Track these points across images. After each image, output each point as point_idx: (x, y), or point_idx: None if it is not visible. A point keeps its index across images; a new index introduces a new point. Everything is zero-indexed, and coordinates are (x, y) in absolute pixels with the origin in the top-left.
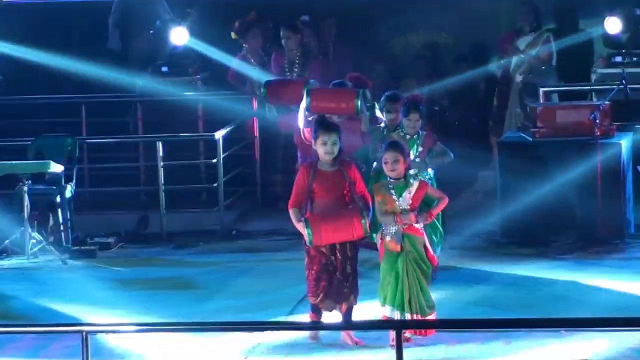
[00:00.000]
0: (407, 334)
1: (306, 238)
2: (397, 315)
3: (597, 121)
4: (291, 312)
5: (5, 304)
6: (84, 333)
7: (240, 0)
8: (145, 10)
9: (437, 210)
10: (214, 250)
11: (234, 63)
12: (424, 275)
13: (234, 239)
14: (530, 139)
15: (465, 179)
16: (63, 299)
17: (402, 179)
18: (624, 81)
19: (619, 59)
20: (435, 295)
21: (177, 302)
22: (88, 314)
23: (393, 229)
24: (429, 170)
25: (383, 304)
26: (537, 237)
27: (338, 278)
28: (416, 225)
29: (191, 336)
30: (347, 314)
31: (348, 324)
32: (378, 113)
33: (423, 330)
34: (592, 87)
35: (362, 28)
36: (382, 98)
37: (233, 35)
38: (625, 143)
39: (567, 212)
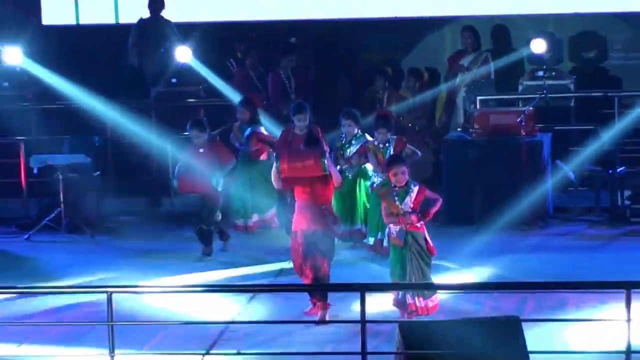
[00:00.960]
0: (414, 315)
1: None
2: (408, 299)
3: (523, 123)
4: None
5: (44, 270)
6: (109, 293)
7: (234, 24)
8: (157, 33)
9: (434, 209)
10: None
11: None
12: (425, 264)
13: None
14: (470, 137)
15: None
16: (91, 265)
17: (404, 186)
18: (545, 91)
19: (540, 73)
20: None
21: (186, 269)
22: (112, 278)
23: (397, 228)
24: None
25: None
26: (475, 218)
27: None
28: (417, 224)
29: (199, 296)
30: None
31: (317, 287)
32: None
33: (426, 310)
34: (519, 96)
35: (333, 47)
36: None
37: (239, 54)
38: (545, 141)
39: (500, 197)
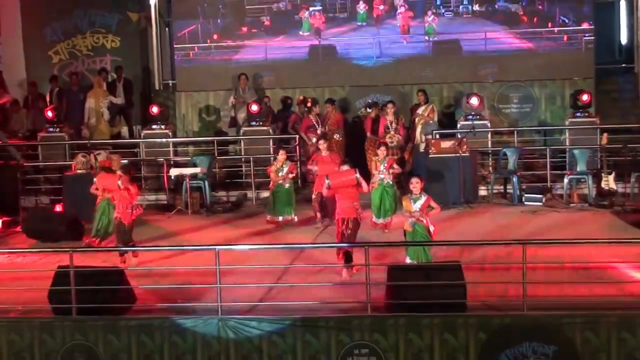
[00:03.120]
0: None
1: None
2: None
3: (459, 146)
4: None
5: (174, 236)
6: (216, 250)
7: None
8: None
9: (433, 213)
10: None
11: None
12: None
13: None
14: (428, 155)
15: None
16: (204, 233)
17: (418, 194)
18: (473, 128)
19: (470, 117)
20: None
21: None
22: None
23: (410, 220)
24: (391, 179)
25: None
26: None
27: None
28: (421, 219)
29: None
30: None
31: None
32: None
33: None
34: (458, 130)
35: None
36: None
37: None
38: (472, 158)
39: (447, 189)
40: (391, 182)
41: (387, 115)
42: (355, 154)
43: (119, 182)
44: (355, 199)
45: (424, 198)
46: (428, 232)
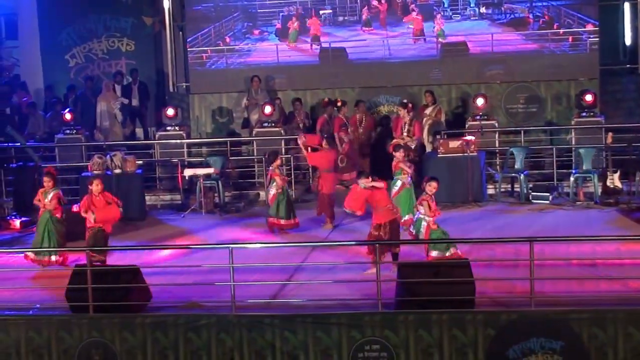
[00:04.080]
0: None
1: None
2: (435, 253)
3: (467, 146)
4: None
5: (189, 235)
6: (230, 248)
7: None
8: None
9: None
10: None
11: None
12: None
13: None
14: (437, 155)
15: None
16: (217, 233)
17: (433, 195)
18: (481, 128)
19: (477, 117)
20: None
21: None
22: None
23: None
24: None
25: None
26: (442, 200)
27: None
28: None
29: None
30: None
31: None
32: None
33: None
34: (467, 130)
35: None
36: None
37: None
38: (481, 157)
39: (455, 188)
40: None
41: (403, 117)
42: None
43: (94, 187)
44: (387, 202)
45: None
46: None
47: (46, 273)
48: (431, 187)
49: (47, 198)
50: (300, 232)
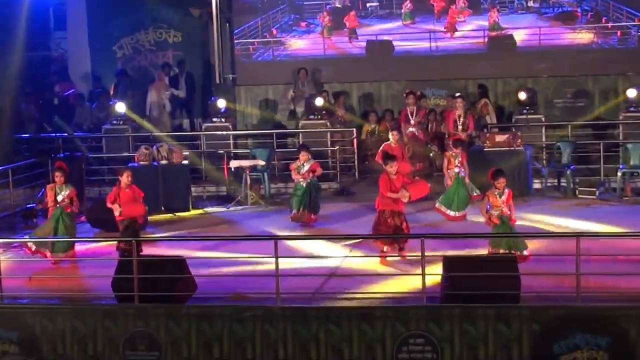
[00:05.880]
0: None
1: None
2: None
3: (514, 140)
4: None
5: (234, 226)
6: (275, 240)
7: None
8: None
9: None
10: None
11: None
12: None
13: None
14: (483, 149)
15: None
16: (263, 224)
17: (502, 190)
18: (528, 122)
19: (524, 111)
20: None
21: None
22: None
23: (496, 212)
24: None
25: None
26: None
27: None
28: (506, 211)
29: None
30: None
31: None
32: None
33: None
34: (513, 124)
35: None
36: None
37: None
38: (528, 150)
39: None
40: (464, 176)
41: (456, 110)
42: None
43: (123, 178)
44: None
45: (506, 192)
46: (512, 222)
47: (93, 262)
48: (498, 182)
49: (60, 194)
50: (344, 225)
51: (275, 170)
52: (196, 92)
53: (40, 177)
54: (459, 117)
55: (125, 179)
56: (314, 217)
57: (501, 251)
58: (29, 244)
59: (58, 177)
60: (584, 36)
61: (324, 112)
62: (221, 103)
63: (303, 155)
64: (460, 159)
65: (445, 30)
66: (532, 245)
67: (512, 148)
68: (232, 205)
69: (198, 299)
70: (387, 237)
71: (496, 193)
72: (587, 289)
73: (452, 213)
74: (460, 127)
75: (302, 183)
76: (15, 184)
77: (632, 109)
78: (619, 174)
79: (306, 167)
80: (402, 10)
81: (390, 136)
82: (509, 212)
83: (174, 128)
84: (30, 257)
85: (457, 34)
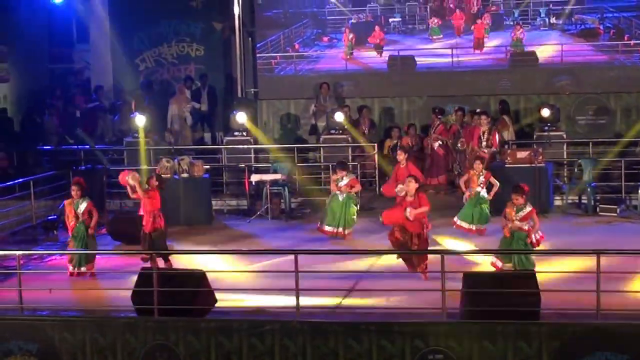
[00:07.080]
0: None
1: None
2: (499, 264)
3: (535, 157)
4: None
5: (250, 241)
6: (295, 254)
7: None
8: None
9: (534, 229)
10: None
11: None
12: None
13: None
14: (505, 165)
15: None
16: (283, 239)
17: (521, 205)
18: (550, 139)
19: (546, 128)
20: None
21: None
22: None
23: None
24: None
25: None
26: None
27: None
28: (523, 227)
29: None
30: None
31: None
32: None
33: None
34: (535, 141)
35: None
36: None
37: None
38: (549, 167)
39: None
40: (486, 195)
41: (480, 126)
42: None
43: (146, 182)
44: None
45: (528, 208)
46: (530, 242)
47: (113, 275)
48: (514, 197)
49: (78, 208)
50: (363, 239)
51: (297, 185)
52: (218, 105)
53: (61, 189)
54: (483, 133)
55: (152, 181)
56: (347, 232)
57: (507, 266)
58: (71, 269)
59: (75, 191)
60: (605, 54)
61: (341, 130)
62: (241, 117)
63: (340, 172)
64: (484, 179)
65: (473, 47)
66: (553, 262)
67: (533, 164)
68: (252, 219)
69: (217, 313)
70: (405, 252)
71: (514, 206)
72: (608, 306)
73: (473, 227)
74: (484, 144)
75: (339, 196)
76: (37, 196)
77: None
78: None
79: (345, 180)
80: (430, 26)
81: (398, 157)
82: (525, 229)
83: (196, 141)
84: (53, 270)
85: (477, 50)
